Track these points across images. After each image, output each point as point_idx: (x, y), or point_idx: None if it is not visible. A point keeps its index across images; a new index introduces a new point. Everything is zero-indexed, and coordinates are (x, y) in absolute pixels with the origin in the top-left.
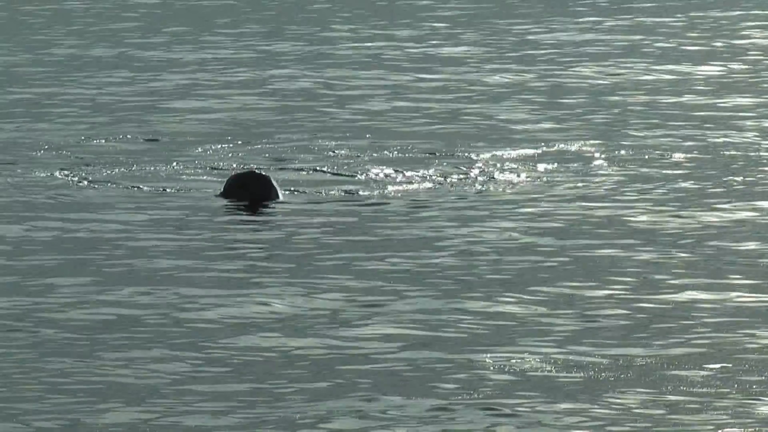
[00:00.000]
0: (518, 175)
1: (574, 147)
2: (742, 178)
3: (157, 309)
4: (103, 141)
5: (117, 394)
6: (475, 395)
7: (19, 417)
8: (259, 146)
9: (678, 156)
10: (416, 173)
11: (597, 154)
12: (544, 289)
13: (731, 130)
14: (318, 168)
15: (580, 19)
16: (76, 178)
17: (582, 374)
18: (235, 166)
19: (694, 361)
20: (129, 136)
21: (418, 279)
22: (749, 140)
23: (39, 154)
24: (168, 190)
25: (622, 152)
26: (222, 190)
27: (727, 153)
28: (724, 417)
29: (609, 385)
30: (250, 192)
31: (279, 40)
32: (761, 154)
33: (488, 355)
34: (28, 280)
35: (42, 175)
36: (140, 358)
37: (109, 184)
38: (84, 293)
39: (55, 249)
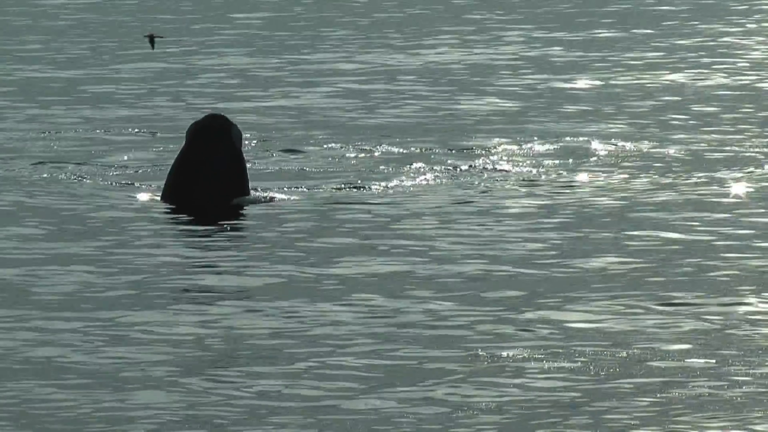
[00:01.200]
0: (516, 171)
1: (576, 143)
2: (747, 176)
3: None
4: (102, 132)
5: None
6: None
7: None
8: (256, 141)
9: (682, 154)
10: (413, 169)
11: (599, 152)
12: (543, 285)
13: (739, 130)
14: (313, 166)
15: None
16: (72, 174)
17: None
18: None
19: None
20: (133, 129)
21: (421, 280)
22: (751, 141)
23: (34, 146)
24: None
25: (623, 150)
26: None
27: (734, 153)
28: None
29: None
30: (211, 137)
31: (280, 35)
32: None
33: (487, 352)
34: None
35: (41, 173)
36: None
37: (101, 177)
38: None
39: (45, 243)
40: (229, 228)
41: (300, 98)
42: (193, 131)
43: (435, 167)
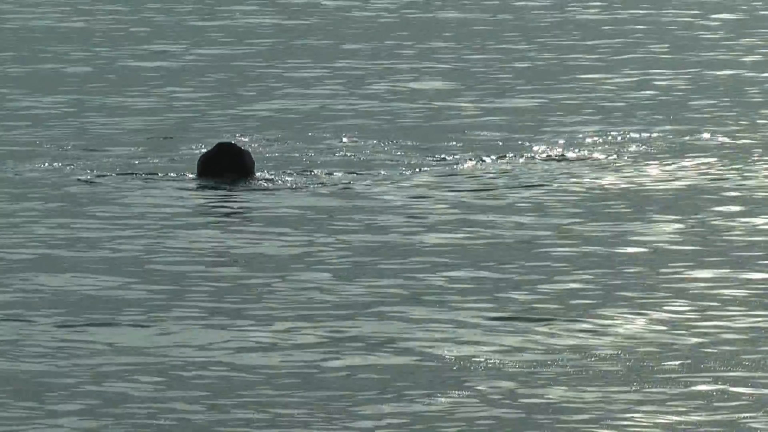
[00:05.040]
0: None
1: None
2: None
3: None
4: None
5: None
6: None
7: None
8: (300, 143)
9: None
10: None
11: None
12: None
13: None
14: (310, 162)
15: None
16: (84, 175)
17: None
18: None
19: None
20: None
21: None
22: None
23: (43, 149)
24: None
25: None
26: (197, 169)
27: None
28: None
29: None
30: (223, 167)
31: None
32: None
33: (495, 351)
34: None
35: (45, 170)
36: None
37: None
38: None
39: (51, 245)
40: (232, 210)
41: (315, 96)
42: (203, 160)
43: (447, 162)
